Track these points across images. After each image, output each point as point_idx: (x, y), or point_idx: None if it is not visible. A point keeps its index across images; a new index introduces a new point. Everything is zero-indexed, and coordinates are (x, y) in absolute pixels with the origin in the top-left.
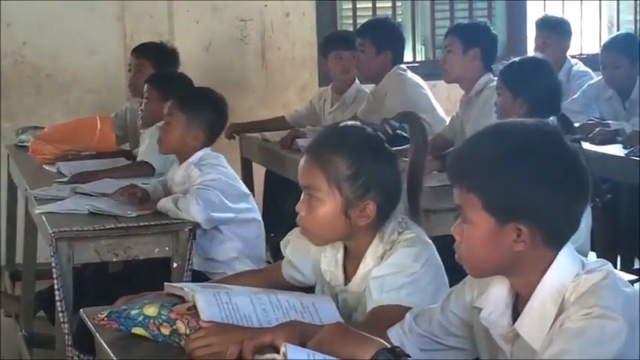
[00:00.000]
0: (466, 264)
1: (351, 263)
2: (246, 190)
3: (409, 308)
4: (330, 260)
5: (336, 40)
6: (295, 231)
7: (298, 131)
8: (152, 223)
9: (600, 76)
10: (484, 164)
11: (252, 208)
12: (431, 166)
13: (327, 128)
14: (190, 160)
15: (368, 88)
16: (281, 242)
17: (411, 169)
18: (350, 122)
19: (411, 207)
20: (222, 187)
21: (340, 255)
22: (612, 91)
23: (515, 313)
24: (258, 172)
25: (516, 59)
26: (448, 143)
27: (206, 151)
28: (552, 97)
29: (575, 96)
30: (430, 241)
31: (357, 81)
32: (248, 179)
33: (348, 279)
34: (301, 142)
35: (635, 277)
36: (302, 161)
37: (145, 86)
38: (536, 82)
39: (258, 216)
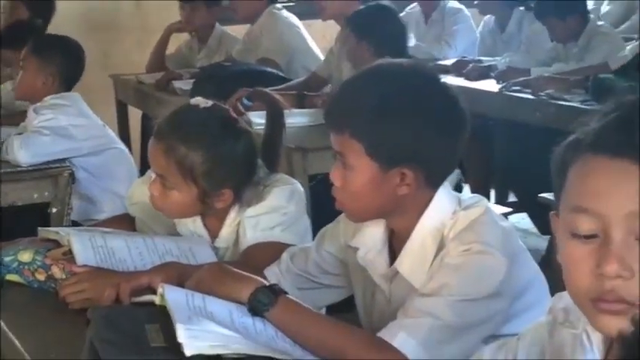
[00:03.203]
0: (347, 210)
1: (210, 220)
2: (99, 122)
3: (283, 245)
4: (185, 220)
5: None
6: (138, 186)
7: (174, 73)
8: (30, 168)
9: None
10: (366, 110)
11: (107, 138)
12: (310, 103)
13: (181, 112)
14: (33, 105)
15: (244, 28)
16: (126, 202)
17: (265, 145)
18: (201, 101)
19: (269, 168)
20: (57, 125)
21: (197, 216)
22: (493, 24)
23: (392, 252)
24: (135, 115)
25: (363, 6)
26: (323, 81)
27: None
28: (397, 40)
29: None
30: (295, 180)
31: (217, 26)
32: (123, 122)
33: (212, 235)
34: (177, 84)
35: (509, 209)
36: (153, 147)
37: (23, 53)
38: (380, 26)
39: (118, 145)
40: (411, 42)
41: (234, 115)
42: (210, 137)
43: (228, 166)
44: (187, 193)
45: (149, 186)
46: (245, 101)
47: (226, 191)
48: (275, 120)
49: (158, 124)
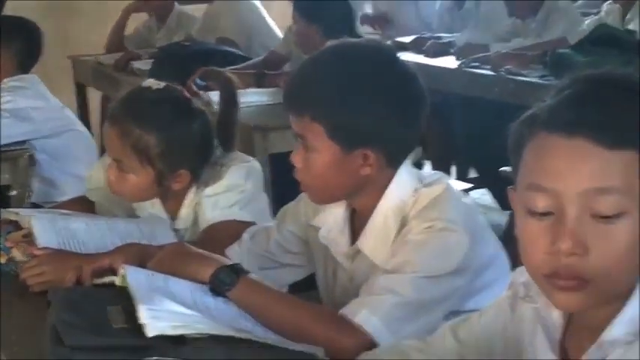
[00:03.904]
0: (311, 192)
1: (170, 203)
2: (58, 104)
3: (242, 223)
4: (144, 203)
5: None
6: (96, 171)
7: (133, 53)
8: None
9: None
10: (326, 93)
11: (67, 120)
12: (271, 82)
13: (134, 94)
14: None
15: (203, 8)
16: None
17: (220, 124)
18: (153, 82)
19: (225, 149)
20: (16, 107)
21: (156, 199)
22: (450, 1)
23: (353, 231)
24: (94, 96)
25: None
26: (283, 59)
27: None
28: (345, 21)
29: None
30: (251, 158)
31: (176, 5)
32: (82, 104)
33: (171, 217)
34: (137, 65)
35: (469, 185)
36: (107, 131)
37: None
38: (328, 9)
39: (78, 127)
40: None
41: (188, 95)
42: (164, 118)
43: (184, 146)
44: (144, 175)
45: (107, 170)
46: (198, 81)
47: (183, 172)
48: (228, 99)
49: (111, 108)
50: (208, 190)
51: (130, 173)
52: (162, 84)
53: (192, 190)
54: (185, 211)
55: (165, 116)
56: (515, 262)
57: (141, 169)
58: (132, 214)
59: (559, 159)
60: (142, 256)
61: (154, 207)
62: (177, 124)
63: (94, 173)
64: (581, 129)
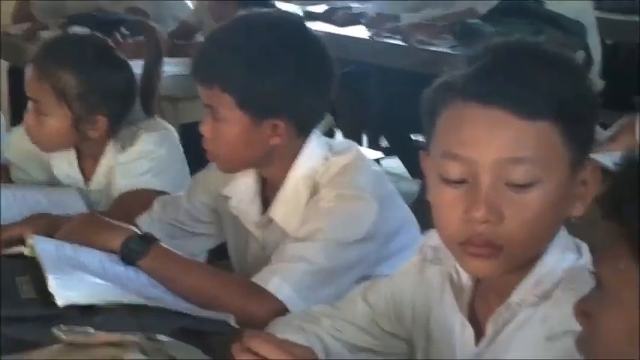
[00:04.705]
0: (219, 161)
1: (87, 162)
2: None
3: (155, 191)
4: (61, 162)
5: None
6: (17, 131)
7: (41, 23)
8: None
9: None
10: (237, 63)
11: None
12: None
13: (57, 37)
14: None
15: None
16: (3, 148)
17: (145, 77)
18: (78, 30)
19: (146, 111)
20: None
21: (73, 157)
22: None
23: (264, 200)
24: (1, 68)
25: None
26: (193, 29)
27: None
28: None
29: None
30: (170, 126)
31: None
32: None
33: (86, 178)
34: (45, 35)
35: (380, 154)
36: (28, 72)
37: None
38: None
39: None
40: None
41: (113, 45)
42: (84, 60)
43: (103, 91)
44: (61, 117)
45: (25, 117)
46: (123, 30)
47: (100, 118)
48: (152, 52)
49: (35, 52)
50: (121, 158)
51: (48, 116)
52: (87, 30)
53: (110, 148)
54: (100, 171)
55: (87, 59)
56: (426, 228)
57: (58, 111)
58: (49, 174)
59: (474, 128)
60: (51, 226)
61: (70, 167)
62: (98, 68)
63: (16, 133)
64: (497, 99)
